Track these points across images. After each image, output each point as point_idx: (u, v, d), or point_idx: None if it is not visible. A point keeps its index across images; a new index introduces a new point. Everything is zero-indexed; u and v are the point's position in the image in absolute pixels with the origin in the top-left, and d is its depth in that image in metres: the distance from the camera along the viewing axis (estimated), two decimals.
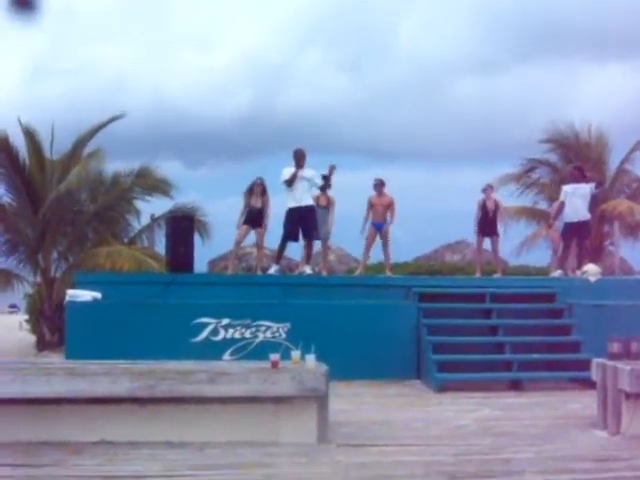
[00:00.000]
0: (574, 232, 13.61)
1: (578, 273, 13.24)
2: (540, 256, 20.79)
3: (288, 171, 12.60)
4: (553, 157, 22.04)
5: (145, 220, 19.01)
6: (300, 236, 12.96)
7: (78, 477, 5.65)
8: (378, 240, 14.37)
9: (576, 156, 20.69)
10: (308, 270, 13.07)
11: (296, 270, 14.41)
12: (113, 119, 17.97)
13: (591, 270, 12.97)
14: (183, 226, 12.92)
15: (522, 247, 21.56)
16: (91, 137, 18.17)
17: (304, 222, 12.71)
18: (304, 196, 12.63)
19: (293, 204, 12.63)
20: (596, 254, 19.35)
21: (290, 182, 12.54)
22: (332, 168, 12.82)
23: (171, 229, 12.98)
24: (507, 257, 22.60)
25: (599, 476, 5.82)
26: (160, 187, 18.37)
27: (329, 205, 14.03)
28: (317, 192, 13.24)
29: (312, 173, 12.73)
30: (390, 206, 14.12)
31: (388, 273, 14.21)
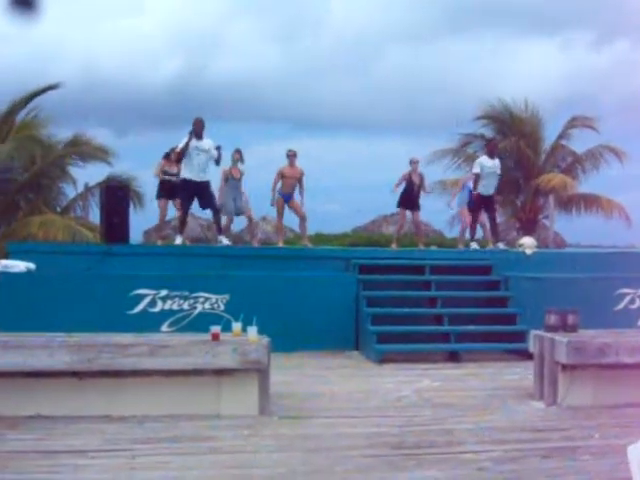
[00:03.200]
0: (484, 204, 13.86)
1: (500, 245, 13.54)
2: None
3: (182, 142, 12.32)
4: (488, 131, 22.29)
5: (79, 188, 18.63)
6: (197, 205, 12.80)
7: (16, 452, 5.51)
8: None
9: (511, 130, 20.98)
10: (225, 241, 12.80)
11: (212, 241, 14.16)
12: (49, 88, 17.45)
13: (527, 243, 13.16)
14: (118, 196, 12.64)
15: (455, 219, 21.76)
16: (25, 105, 17.65)
17: (200, 196, 12.52)
18: (202, 170, 12.36)
19: (189, 175, 12.36)
20: (530, 227, 19.73)
21: (182, 153, 12.27)
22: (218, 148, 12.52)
23: (106, 199, 12.67)
24: (442, 229, 22.95)
25: (536, 446, 5.90)
26: (96, 154, 17.99)
27: (241, 177, 13.86)
28: (213, 166, 12.89)
29: (210, 144, 12.40)
30: (300, 178, 13.90)
31: (307, 244, 14.06)
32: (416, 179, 14.24)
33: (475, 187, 13.70)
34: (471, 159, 21.74)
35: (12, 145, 16.60)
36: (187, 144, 12.19)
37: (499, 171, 13.81)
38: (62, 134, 18.42)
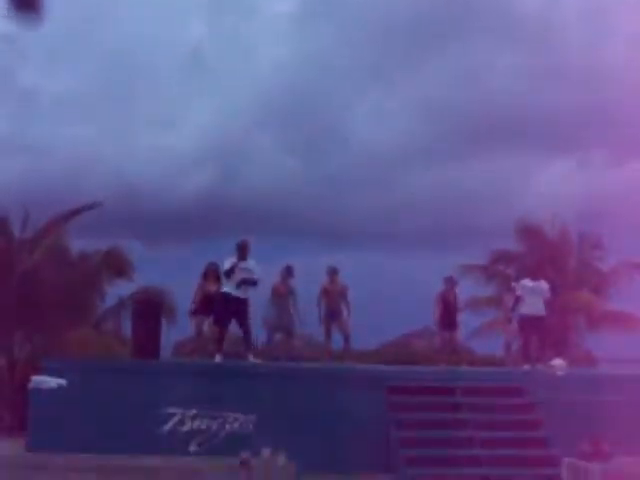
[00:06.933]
0: (533, 325, 13.91)
1: (541, 366, 13.46)
2: (496, 344, 21.02)
3: (229, 262, 12.56)
4: (517, 248, 22.34)
5: (110, 301, 18.89)
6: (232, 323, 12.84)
7: None
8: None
9: (540, 248, 21.04)
10: (252, 359, 12.70)
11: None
12: (87, 207, 17.91)
13: (558, 364, 13.07)
14: (148, 312, 12.85)
15: (476, 335, 21.51)
16: (65, 222, 18.11)
17: (237, 312, 12.60)
18: (242, 288, 12.53)
19: (228, 290, 12.55)
20: (561, 346, 19.52)
21: (229, 273, 12.52)
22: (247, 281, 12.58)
23: (137, 315, 12.92)
24: (473, 346, 22.66)
25: None
26: (126, 271, 18.32)
27: (289, 294, 13.94)
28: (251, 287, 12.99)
29: (253, 265, 12.64)
30: (343, 293, 13.98)
31: (352, 363, 14.05)
32: (452, 298, 14.38)
33: (514, 308, 13.90)
34: (501, 276, 21.75)
35: (42, 256, 17.05)
36: (233, 266, 12.43)
37: (547, 293, 13.92)
38: (95, 246, 18.78)
